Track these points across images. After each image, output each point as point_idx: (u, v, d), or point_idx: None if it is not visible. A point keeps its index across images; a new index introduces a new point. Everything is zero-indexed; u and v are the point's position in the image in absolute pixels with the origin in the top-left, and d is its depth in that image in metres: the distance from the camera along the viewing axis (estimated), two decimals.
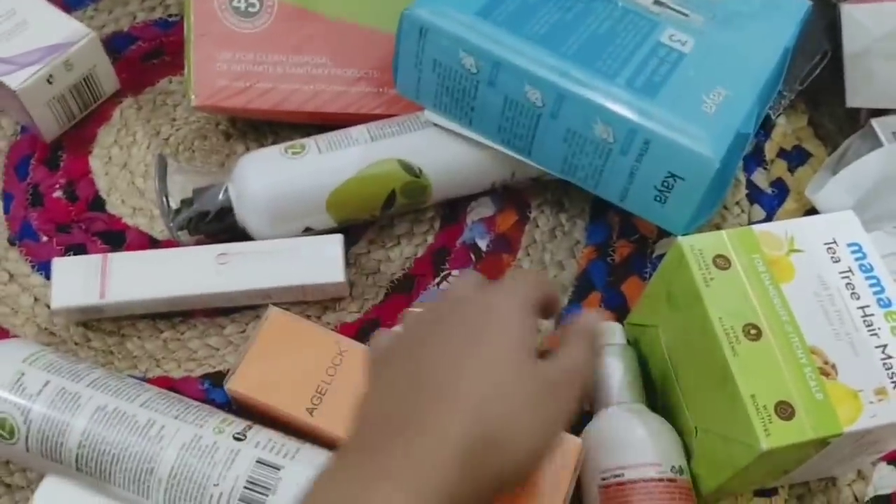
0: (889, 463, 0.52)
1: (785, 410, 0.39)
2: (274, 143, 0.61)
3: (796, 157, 0.64)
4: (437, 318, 0.39)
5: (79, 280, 0.52)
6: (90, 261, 0.53)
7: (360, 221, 0.57)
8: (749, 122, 0.50)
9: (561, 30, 0.51)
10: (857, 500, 0.51)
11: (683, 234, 0.45)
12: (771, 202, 0.62)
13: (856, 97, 0.60)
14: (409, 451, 0.33)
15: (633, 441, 0.45)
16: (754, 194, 0.62)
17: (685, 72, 0.51)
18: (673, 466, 0.44)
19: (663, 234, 0.59)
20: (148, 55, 0.67)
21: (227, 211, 0.54)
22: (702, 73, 0.51)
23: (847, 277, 0.44)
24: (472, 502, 0.34)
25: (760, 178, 0.62)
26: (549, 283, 0.50)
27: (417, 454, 0.33)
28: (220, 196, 0.54)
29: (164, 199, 0.54)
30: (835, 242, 0.45)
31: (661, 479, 0.44)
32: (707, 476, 0.45)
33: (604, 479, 0.45)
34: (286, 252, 0.53)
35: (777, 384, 0.40)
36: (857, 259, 0.44)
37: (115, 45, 0.67)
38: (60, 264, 0.53)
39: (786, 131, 0.65)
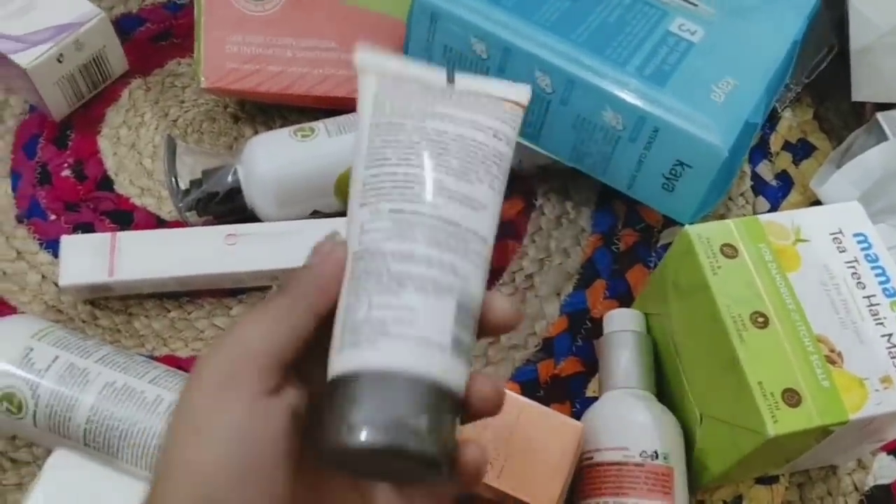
0: (889, 453, 0.52)
1: (792, 398, 0.40)
2: (282, 126, 0.61)
3: (801, 150, 0.64)
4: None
5: (87, 257, 0.52)
6: (99, 239, 0.53)
7: None
8: (757, 112, 0.51)
9: (571, 17, 0.51)
10: (856, 489, 0.51)
11: (689, 223, 0.45)
12: (775, 194, 0.62)
13: (861, 91, 0.60)
14: None
15: (611, 425, 0.46)
16: (759, 186, 0.62)
17: (694, 61, 0.51)
18: (644, 451, 0.45)
19: (668, 223, 0.59)
20: (157, 37, 0.67)
21: (235, 192, 0.54)
22: (711, 63, 0.51)
23: (853, 267, 0.44)
24: None
25: (765, 171, 0.63)
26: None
27: None
28: (230, 177, 0.54)
29: (174, 180, 0.54)
30: (841, 233, 0.45)
31: (624, 463, 0.44)
32: (711, 463, 0.46)
33: (582, 460, 0.46)
34: (294, 234, 0.54)
35: (784, 371, 0.40)
36: (862, 249, 0.45)
37: (124, 26, 0.67)
38: (69, 241, 0.53)
39: (791, 124, 0.65)
